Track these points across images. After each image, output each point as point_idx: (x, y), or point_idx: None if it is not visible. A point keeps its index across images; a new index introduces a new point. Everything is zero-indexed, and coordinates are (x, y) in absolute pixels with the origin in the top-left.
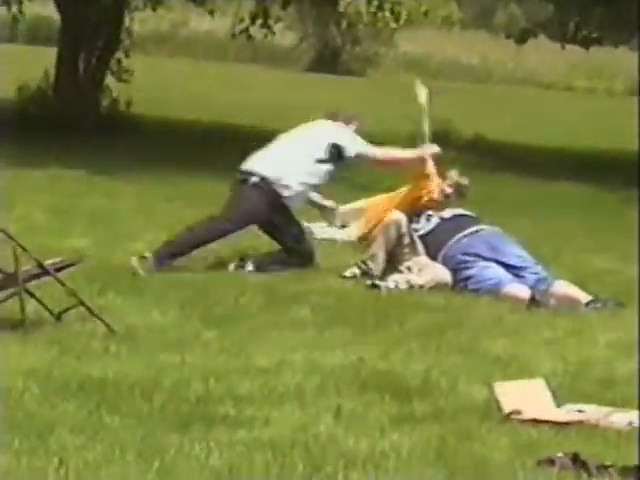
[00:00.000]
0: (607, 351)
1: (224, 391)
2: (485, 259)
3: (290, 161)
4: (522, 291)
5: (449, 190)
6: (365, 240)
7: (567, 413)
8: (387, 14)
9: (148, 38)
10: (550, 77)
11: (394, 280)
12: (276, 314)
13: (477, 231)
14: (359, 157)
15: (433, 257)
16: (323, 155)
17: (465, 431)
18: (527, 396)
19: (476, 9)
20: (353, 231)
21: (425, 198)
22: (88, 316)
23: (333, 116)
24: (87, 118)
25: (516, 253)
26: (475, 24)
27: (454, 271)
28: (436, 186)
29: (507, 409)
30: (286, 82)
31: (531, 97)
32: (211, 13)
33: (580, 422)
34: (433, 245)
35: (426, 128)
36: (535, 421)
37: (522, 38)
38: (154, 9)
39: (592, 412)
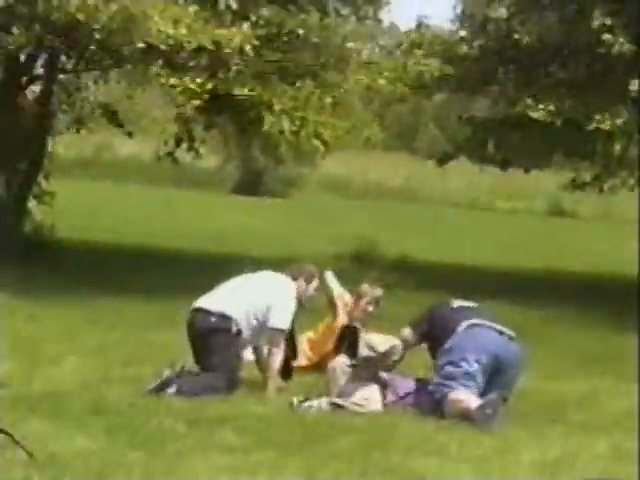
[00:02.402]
0: (531, 470)
1: None
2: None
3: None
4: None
5: (371, 308)
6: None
7: None
8: (312, 138)
9: (72, 162)
10: (471, 198)
11: (316, 402)
12: (201, 438)
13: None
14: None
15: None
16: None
17: None
18: None
19: (397, 130)
20: None
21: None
22: (9, 444)
23: (294, 273)
24: (9, 241)
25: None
26: (397, 145)
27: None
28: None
29: None
30: (209, 205)
31: (453, 217)
32: (130, 135)
33: None
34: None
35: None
36: None
37: (443, 160)
38: (78, 130)
39: None
